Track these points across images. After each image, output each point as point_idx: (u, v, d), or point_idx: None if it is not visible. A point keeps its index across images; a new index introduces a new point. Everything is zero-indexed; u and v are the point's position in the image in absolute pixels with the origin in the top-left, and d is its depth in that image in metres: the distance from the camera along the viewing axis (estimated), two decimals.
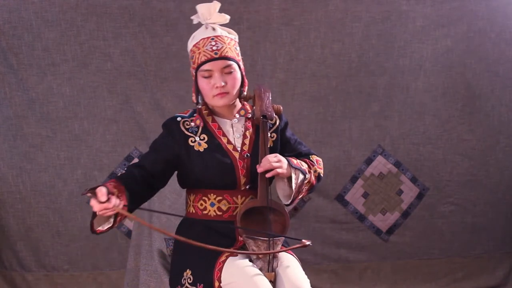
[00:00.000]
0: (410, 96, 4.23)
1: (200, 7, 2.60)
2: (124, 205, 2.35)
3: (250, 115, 2.63)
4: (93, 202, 2.29)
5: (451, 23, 4.20)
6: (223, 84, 2.53)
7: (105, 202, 2.27)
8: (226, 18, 2.61)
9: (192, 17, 2.63)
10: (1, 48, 3.88)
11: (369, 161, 4.24)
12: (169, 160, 2.57)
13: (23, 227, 3.96)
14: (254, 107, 2.65)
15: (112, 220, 2.42)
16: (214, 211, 2.59)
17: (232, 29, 2.67)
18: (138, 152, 4.04)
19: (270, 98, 2.67)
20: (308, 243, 2.42)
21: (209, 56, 2.53)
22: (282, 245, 2.55)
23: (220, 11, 2.63)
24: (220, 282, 2.40)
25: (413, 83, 4.22)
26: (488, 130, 4.29)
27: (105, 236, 4.00)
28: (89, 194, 2.30)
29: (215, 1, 2.60)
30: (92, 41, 3.96)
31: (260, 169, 2.50)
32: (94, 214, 2.39)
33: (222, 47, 2.55)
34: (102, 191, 2.28)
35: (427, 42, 4.20)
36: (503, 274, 4.33)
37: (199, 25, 2.64)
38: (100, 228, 2.45)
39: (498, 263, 4.33)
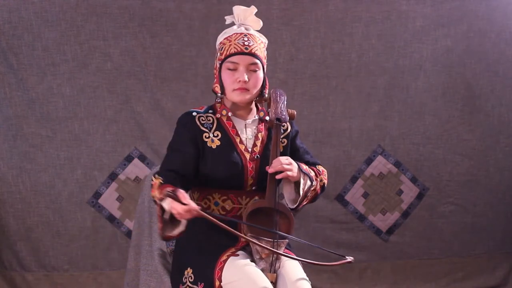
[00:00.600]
0: (410, 96, 4.23)
1: (236, 9, 2.62)
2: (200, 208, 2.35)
3: (268, 118, 2.63)
4: (175, 205, 2.29)
5: (451, 23, 4.21)
6: (246, 79, 2.54)
7: (187, 204, 2.28)
8: (260, 24, 2.64)
9: (226, 17, 2.65)
10: (1, 48, 3.88)
11: (369, 161, 4.24)
12: (195, 155, 2.55)
13: (23, 227, 3.96)
14: (269, 110, 2.65)
15: (184, 223, 2.39)
16: (218, 210, 2.59)
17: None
18: (138, 152, 4.04)
19: (286, 102, 2.68)
20: (350, 259, 2.47)
21: (239, 49, 2.54)
22: (285, 247, 2.55)
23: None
24: (220, 281, 2.40)
25: (413, 83, 4.22)
26: (488, 130, 4.30)
27: (105, 236, 4.02)
28: (168, 196, 2.29)
29: (252, 6, 2.62)
30: (92, 41, 3.96)
31: (271, 169, 2.49)
32: (162, 220, 2.38)
33: (253, 44, 2.57)
34: (183, 193, 2.29)
35: (427, 42, 4.20)
36: (503, 274, 4.33)
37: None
38: (170, 234, 2.42)
39: (498, 263, 4.34)
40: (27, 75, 3.92)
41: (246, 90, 2.56)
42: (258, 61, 2.58)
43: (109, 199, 4.03)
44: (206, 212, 2.36)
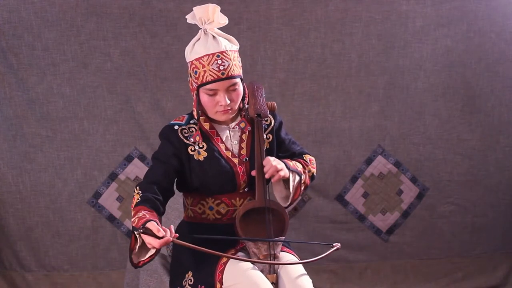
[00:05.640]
0: (410, 96, 4.23)
1: (197, 10, 2.51)
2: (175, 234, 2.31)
3: (250, 128, 2.61)
4: (150, 240, 2.23)
5: (451, 23, 4.20)
6: (228, 102, 2.50)
7: (162, 237, 2.23)
8: (225, 19, 2.54)
9: (187, 17, 2.55)
10: (1, 48, 3.88)
11: (369, 161, 4.24)
12: (178, 169, 2.54)
13: (23, 227, 3.96)
14: (247, 106, 2.62)
15: (154, 249, 2.35)
16: (213, 214, 2.58)
17: (232, 29, 2.63)
18: (138, 152, 4.04)
19: (264, 94, 2.65)
20: (338, 245, 2.47)
21: (215, 77, 2.46)
22: (283, 245, 2.55)
23: (220, 11, 2.58)
24: (221, 284, 2.40)
25: (413, 83, 4.22)
26: (488, 130, 4.29)
27: (105, 236, 4.02)
28: (141, 232, 2.24)
29: (214, 4, 2.51)
30: (92, 41, 3.96)
31: (267, 175, 2.49)
32: (132, 248, 2.35)
33: (229, 65, 2.48)
34: (155, 227, 2.24)
35: (427, 42, 4.20)
36: (503, 274, 4.33)
37: (197, 26, 2.56)
38: (143, 259, 2.38)
39: (498, 263, 4.34)
40: (27, 75, 3.92)
41: (229, 109, 2.53)
42: (237, 80, 2.51)
43: (109, 199, 4.03)
44: (181, 239, 2.32)
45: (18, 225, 3.96)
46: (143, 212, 2.34)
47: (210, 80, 2.47)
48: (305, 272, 2.50)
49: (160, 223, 2.34)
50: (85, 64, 3.97)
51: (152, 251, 2.34)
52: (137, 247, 2.33)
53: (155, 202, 2.41)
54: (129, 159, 4.04)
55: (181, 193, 2.71)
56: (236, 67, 2.51)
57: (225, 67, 2.47)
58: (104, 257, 4.03)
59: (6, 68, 3.89)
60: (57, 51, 3.93)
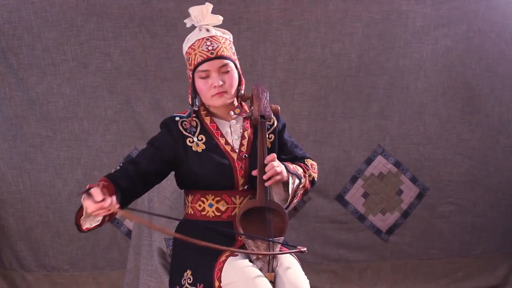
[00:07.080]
0: (410, 96, 4.23)
1: (192, 10, 2.60)
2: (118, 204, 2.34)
3: (244, 115, 2.63)
4: (87, 203, 2.28)
5: (451, 23, 4.20)
6: (221, 83, 2.54)
7: (101, 201, 2.26)
8: (219, 19, 2.62)
9: (186, 21, 2.64)
10: (1, 48, 3.88)
11: (369, 161, 4.24)
12: (167, 159, 2.57)
13: (23, 227, 3.97)
14: (252, 107, 2.64)
15: (100, 219, 2.42)
16: (213, 211, 2.59)
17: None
18: (138, 152, 4.04)
19: (268, 97, 2.67)
20: (304, 249, 2.46)
21: (205, 56, 2.53)
22: (282, 245, 2.55)
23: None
24: (220, 282, 2.40)
25: (413, 83, 4.22)
26: (488, 130, 4.29)
27: (105, 236, 4.02)
28: (84, 195, 2.29)
29: (207, 3, 2.60)
30: (92, 41, 3.96)
31: (265, 176, 2.49)
32: (78, 214, 2.41)
33: (218, 46, 2.55)
34: (97, 191, 2.28)
35: (427, 42, 4.20)
36: (503, 274, 4.33)
37: (194, 27, 2.63)
38: (88, 226, 2.45)
39: (498, 263, 4.34)
40: (27, 75, 3.92)
41: (224, 92, 2.56)
42: (228, 61, 2.56)
43: None
44: (127, 210, 2.36)
45: (18, 225, 3.96)
46: (99, 182, 2.40)
47: (200, 60, 2.53)
48: (302, 272, 2.51)
49: (120, 196, 2.38)
50: (85, 64, 3.97)
51: (99, 220, 2.41)
52: (84, 213, 2.38)
53: (122, 177, 2.46)
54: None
55: (182, 191, 2.72)
56: (227, 50, 2.57)
57: (214, 48, 2.54)
58: (104, 257, 4.04)
59: (6, 68, 3.90)
60: (57, 51, 3.94)
